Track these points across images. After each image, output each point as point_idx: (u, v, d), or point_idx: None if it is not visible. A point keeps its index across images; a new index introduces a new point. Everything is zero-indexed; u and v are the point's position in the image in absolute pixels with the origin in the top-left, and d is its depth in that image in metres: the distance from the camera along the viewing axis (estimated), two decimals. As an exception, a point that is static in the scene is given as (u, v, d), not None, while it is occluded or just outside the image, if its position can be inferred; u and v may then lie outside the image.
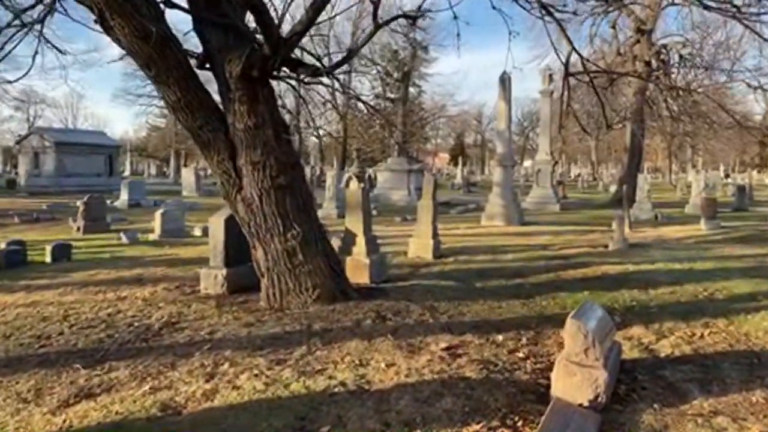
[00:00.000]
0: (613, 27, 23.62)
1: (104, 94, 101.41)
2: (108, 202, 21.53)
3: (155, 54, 5.02)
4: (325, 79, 5.89)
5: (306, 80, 6.71)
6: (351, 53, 5.47)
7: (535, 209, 18.84)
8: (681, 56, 22.35)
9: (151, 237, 11.71)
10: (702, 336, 4.63)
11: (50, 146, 28.25)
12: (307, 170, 42.01)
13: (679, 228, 13.77)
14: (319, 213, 16.73)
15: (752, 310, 5.37)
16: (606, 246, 9.85)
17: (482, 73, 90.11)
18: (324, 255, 5.51)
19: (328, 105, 40.80)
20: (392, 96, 35.60)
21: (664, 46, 22.06)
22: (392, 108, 35.43)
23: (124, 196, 20.83)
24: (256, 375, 3.64)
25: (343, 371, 3.71)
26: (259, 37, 5.24)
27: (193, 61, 5.61)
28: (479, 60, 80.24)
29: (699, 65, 22.15)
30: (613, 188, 35.37)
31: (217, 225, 6.39)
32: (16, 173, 36.26)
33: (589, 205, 21.95)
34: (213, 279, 6.29)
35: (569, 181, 43.47)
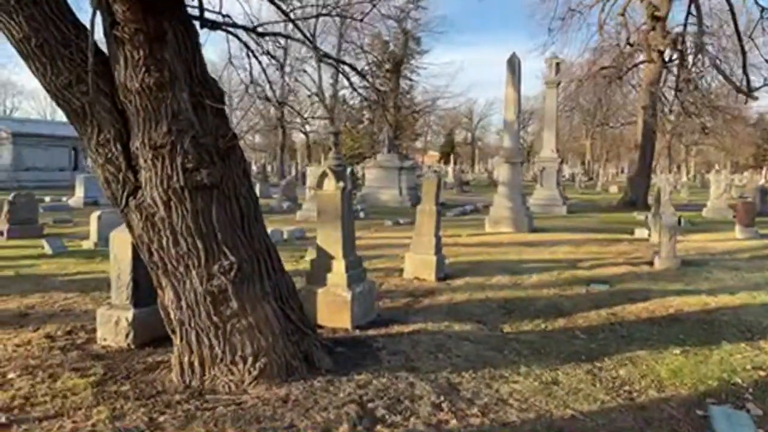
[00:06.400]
0: (622, 14, 21.73)
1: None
2: (64, 199, 19.24)
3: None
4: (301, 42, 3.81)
5: (258, 30, 4.58)
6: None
7: (540, 212, 16.85)
8: (696, 45, 20.49)
9: (86, 245, 9.49)
10: None
11: (7, 137, 25.81)
12: (293, 170, 39.42)
13: (712, 236, 11.85)
14: (298, 215, 14.79)
15: None
16: (650, 263, 7.85)
17: (474, 70, 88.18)
18: (275, 298, 3.39)
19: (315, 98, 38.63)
20: (383, 88, 33.47)
21: (680, 34, 20.15)
22: (383, 101, 33.33)
23: (79, 193, 18.41)
24: None
25: None
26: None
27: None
28: (471, 57, 78.32)
29: (713, 56, 20.34)
30: (612, 189, 33.66)
31: (121, 243, 4.24)
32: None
33: (595, 208, 20.00)
34: (114, 325, 4.17)
35: (564, 181, 41.60)
